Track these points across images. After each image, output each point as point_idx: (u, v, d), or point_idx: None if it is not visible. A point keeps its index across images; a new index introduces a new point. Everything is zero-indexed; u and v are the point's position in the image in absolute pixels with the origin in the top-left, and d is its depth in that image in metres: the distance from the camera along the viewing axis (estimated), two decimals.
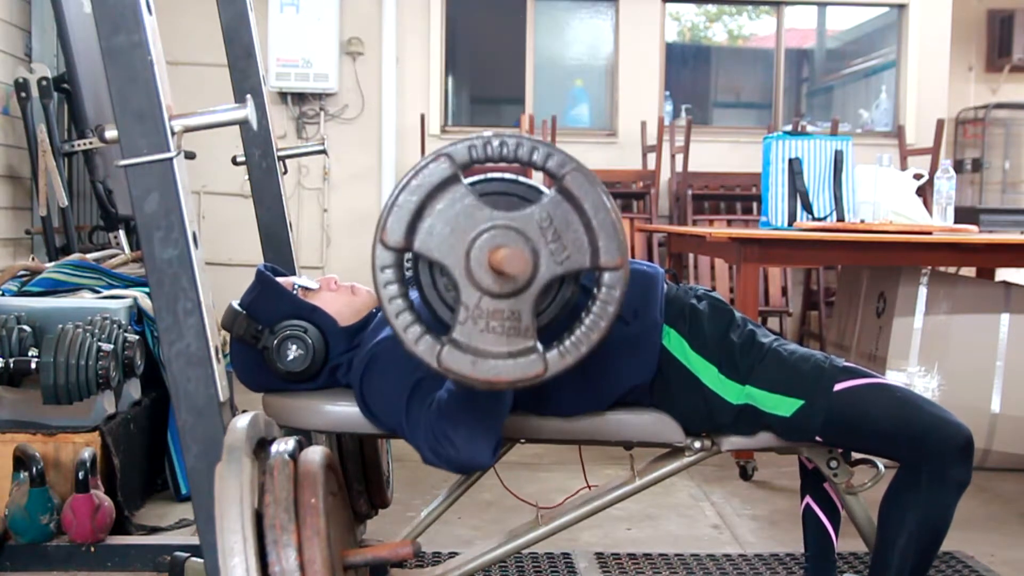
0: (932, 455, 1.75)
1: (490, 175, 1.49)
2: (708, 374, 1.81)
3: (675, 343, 1.83)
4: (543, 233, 1.35)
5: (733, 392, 1.81)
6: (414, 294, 1.41)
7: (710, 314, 1.86)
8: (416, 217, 1.33)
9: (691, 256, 5.19)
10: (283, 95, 5.62)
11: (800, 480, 2.09)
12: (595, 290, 1.36)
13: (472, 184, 1.40)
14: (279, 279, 1.91)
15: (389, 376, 1.73)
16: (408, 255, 1.36)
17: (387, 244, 1.33)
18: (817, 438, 1.81)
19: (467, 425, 1.61)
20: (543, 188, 1.43)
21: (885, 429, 1.78)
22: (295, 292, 1.89)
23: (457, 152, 1.34)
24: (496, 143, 1.35)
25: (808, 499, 2.06)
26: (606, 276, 1.35)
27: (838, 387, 1.78)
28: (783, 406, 1.79)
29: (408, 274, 1.43)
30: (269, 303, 1.86)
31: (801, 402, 1.78)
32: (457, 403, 1.60)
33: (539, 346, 1.35)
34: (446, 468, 1.67)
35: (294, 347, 1.83)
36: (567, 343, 1.36)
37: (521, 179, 1.49)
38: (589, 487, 2.02)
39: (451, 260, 1.34)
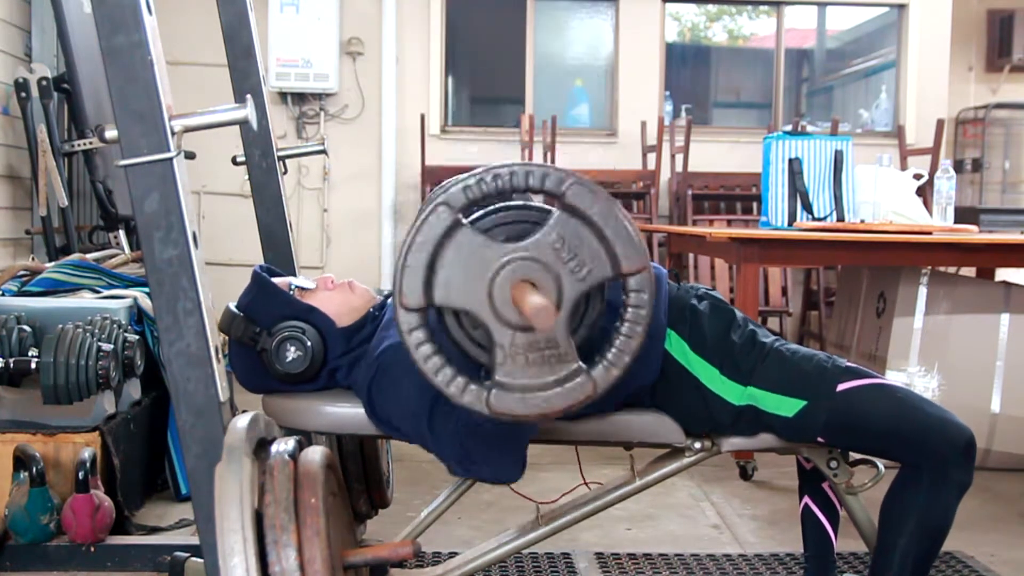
0: (934, 456, 1.75)
1: (490, 207, 1.47)
2: (708, 375, 1.81)
3: (675, 345, 1.83)
4: (558, 254, 1.34)
5: (734, 393, 1.81)
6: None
7: (710, 314, 1.85)
8: (429, 273, 1.33)
9: (691, 256, 5.19)
10: (283, 95, 5.62)
11: (798, 481, 2.09)
12: (624, 297, 1.36)
13: (475, 221, 1.39)
14: (275, 279, 1.90)
15: (403, 386, 1.72)
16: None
17: (408, 307, 1.33)
18: (819, 439, 1.81)
19: (497, 445, 1.62)
20: (549, 208, 1.42)
21: (887, 430, 1.78)
22: (292, 293, 1.88)
23: (453, 198, 1.33)
24: (489, 178, 1.34)
25: (806, 499, 2.06)
26: (631, 281, 1.35)
27: (841, 387, 1.78)
28: (785, 406, 1.78)
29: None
30: (266, 305, 1.86)
31: (804, 402, 1.78)
32: (487, 423, 1.59)
33: (583, 366, 1.34)
34: (475, 480, 1.68)
35: (292, 349, 1.82)
36: (610, 356, 1.35)
37: (523, 204, 1.48)
38: (587, 484, 2.02)
39: (475, 305, 1.33)
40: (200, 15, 4.84)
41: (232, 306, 1.86)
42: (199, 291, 1.37)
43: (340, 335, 1.86)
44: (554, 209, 1.37)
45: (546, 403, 1.33)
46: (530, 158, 5.35)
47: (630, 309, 1.35)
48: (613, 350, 1.35)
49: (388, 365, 1.75)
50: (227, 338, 1.88)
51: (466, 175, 1.35)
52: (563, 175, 1.34)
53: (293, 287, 1.89)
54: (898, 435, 1.77)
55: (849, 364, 1.83)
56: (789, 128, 5.50)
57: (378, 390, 1.76)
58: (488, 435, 1.60)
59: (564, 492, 2.06)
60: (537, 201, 1.52)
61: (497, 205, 1.48)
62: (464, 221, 1.34)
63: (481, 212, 1.47)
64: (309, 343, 1.83)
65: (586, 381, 1.34)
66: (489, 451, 1.61)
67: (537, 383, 1.33)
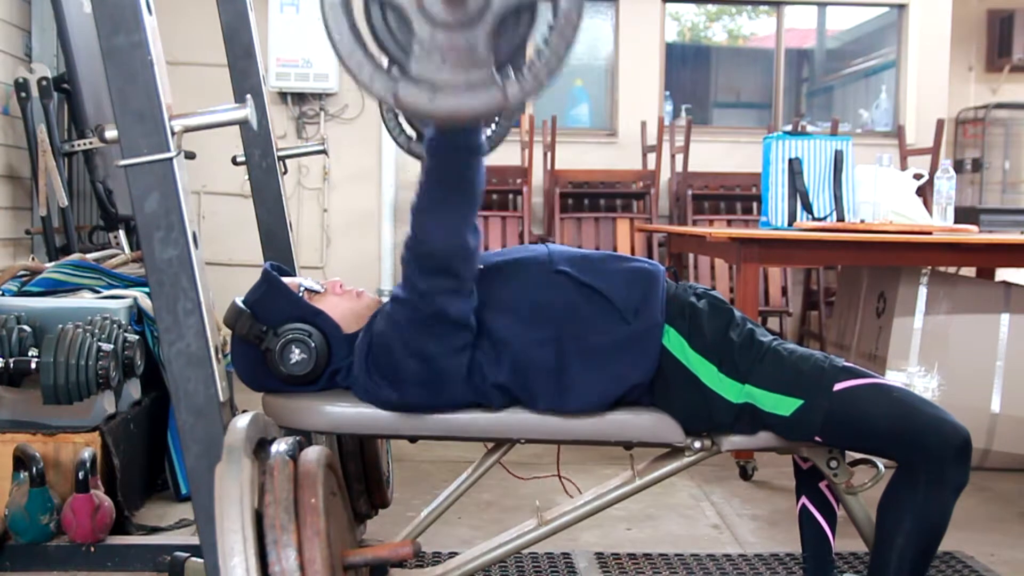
0: (930, 456, 1.75)
1: None
2: (707, 373, 1.81)
3: (674, 342, 1.83)
4: None
5: (733, 391, 1.81)
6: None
7: (710, 313, 1.86)
8: None
9: (691, 256, 5.19)
10: (283, 95, 5.62)
11: (795, 481, 2.09)
12: (552, 17, 1.30)
13: None
14: (285, 280, 1.90)
15: (390, 338, 1.78)
16: None
17: None
18: (816, 438, 1.81)
19: (440, 209, 1.67)
20: None
21: (884, 429, 1.78)
22: (300, 294, 1.88)
23: None
24: None
25: (804, 500, 2.06)
26: (563, 2, 1.28)
27: (838, 387, 1.78)
28: (783, 405, 1.79)
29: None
30: (274, 304, 1.85)
31: (801, 401, 1.78)
32: (427, 191, 1.66)
33: (496, 76, 1.29)
34: (427, 277, 1.71)
35: (297, 351, 1.82)
36: (525, 72, 1.30)
37: None
38: (560, 476, 2.02)
39: None
40: (200, 15, 4.83)
41: (239, 301, 1.86)
42: (199, 291, 1.37)
43: (344, 341, 1.86)
44: None
45: (454, 105, 1.28)
46: (530, 158, 5.35)
47: (556, 30, 1.29)
48: (533, 67, 1.30)
49: (379, 331, 1.80)
50: (228, 336, 1.88)
51: None
52: None
53: (303, 288, 1.89)
54: (895, 434, 1.78)
55: (846, 364, 1.84)
56: (789, 128, 5.50)
57: (373, 360, 1.79)
58: (431, 204, 1.68)
59: (537, 476, 2.05)
60: None
61: None
62: None
63: None
64: (314, 347, 1.82)
65: (497, 91, 1.28)
66: (434, 219, 1.68)
67: (448, 82, 1.28)
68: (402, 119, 2.26)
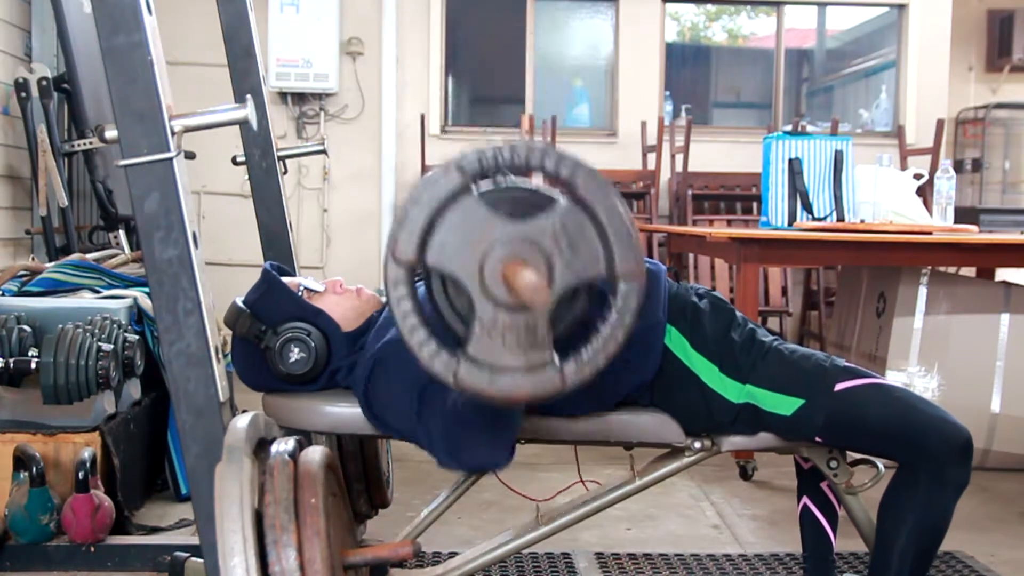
0: (931, 456, 1.75)
1: (502, 183, 1.47)
2: (708, 373, 1.81)
3: (676, 341, 1.83)
4: (557, 242, 1.32)
5: (733, 391, 1.81)
6: (422, 290, 1.39)
7: (711, 313, 1.86)
8: (427, 231, 1.31)
9: (691, 256, 5.19)
10: (283, 95, 5.62)
11: (796, 481, 2.09)
12: (611, 299, 1.34)
13: (483, 194, 1.38)
14: (285, 279, 1.90)
15: (395, 381, 1.72)
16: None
17: (399, 260, 1.31)
18: (817, 438, 1.81)
19: (483, 430, 1.61)
20: (556, 195, 1.40)
21: (884, 429, 1.78)
22: (300, 294, 1.88)
23: (467, 163, 1.32)
24: (507, 152, 1.32)
25: (805, 500, 2.06)
26: (622, 285, 1.33)
27: (839, 387, 1.78)
28: (784, 405, 1.79)
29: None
30: (274, 303, 1.85)
31: (802, 401, 1.78)
32: (473, 410, 1.58)
33: (556, 359, 1.33)
34: (463, 471, 1.67)
35: (297, 350, 1.82)
36: (584, 355, 1.33)
37: (534, 186, 1.47)
38: (584, 483, 2.02)
39: (464, 274, 1.31)
40: (200, 15, 4.84)
41: (239, 301, 1.86)
42: (199, 291, 1.37)
43: (344, 339, 1.86)
44: (561, 197, 1.35)
45: (513, 387, 1.31)
46: None
47: (614, 312, 1.34)
48: (589, 349, 1.34)
49: (384, 360, 1.75)
50: (228, 336, 1.88)
51: (486, 145, 1.33)
52: (578, 165, 1.33)
53: (302, 288, 1.89)
54: (895, 435, 1.78)
55: (847, 364, 1.84)
56: (789, 128, 5.50)
57: (373, 386, 1.76)
58: (474, 422, 1.60)
59: (560, 490, 2.05)
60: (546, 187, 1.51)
61: (507, 183, 1.46)
62: (473, 189, 1.33)
63: (493, 187, 1.46)
64: (314, 346, 1.82)
65: (555, 374, 1.32)
66: (475, 438, 1.61)
67: (508, 365, 1.31)
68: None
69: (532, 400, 1.34)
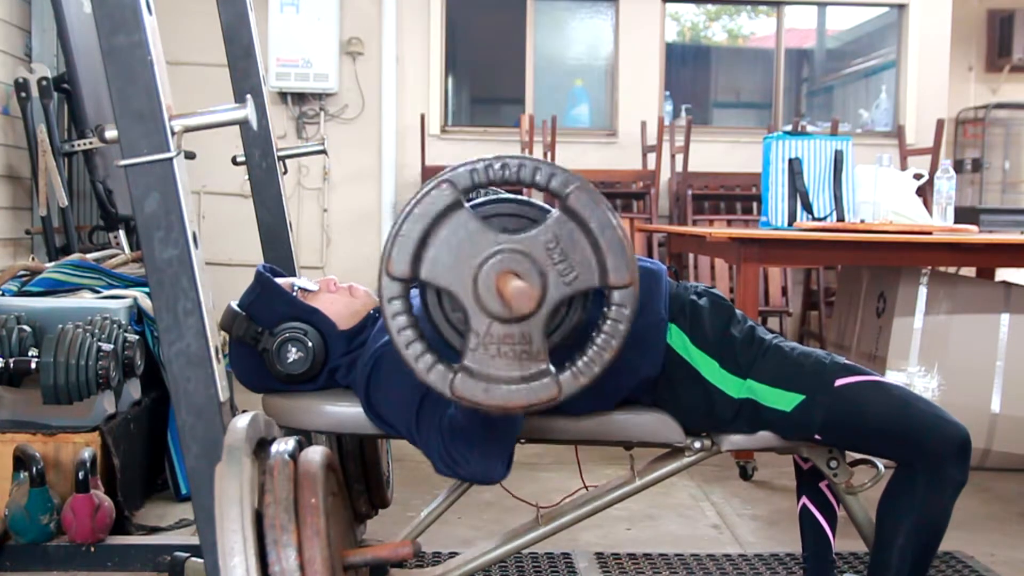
0: (929, 454, 1.76)
1: (494, 197, 1.48)
2: (709, 368, 1.82)
3: (676, 338, 1.83)
4: (549, 254, 1.34)
5: (734, 386, 1.81)
6: (417, 302, 1.40)
7: (711, 310, 1.86)
8: (420, 246, 1.33)
9: (691, 256, 5.19)
10: (283, 95, 5.62)
11: (796, 481, 2.09)
12: (606, 309, 1.36)
13: (475, 207, 1.40)
14: (278, 280, 1.91)
15: (395, 382, 1.73)
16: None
17: (393, 275, 1.33)
18: (816, 435, 1.81)
19: (480, 443, 1.62)
20: (548, 207, 1.42)
21: (883, 427, 1.78)
22: (294, 294, 1.89)
23: (458, 177, 1.33)
24: (498, 166, 1.34)
25: (804, 500, 2.06)
26: (616, 295, 1.35)
27: (839, 383, 1.78)
28: (784, 401, 1.79)
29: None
30: (269, 305, 1.86)
31: (802, 397, 1.78)
32: (470, 422, 1.59)
33: (552, 368, 1.34)
34: (459, 479, 1.67)
35: (294, 350, 1.83)
36: (580, 364, 1.35)
37: (526, 199, 1.48)
38: (586, 487, 2.02)
39: (458, 287, 1.33)
40: (200, 15, 4.84)
41: (234, 305, 1.86)
42: (199, 291, 1.37)
43: (341, 337, 1.86)
44: (554, 209, 1.37)
45: (508, 397, 1.33)
46: None
47: (609, 322, 1.35)
48: (584, 359, 1.35)
49: (384, 360, 1.76)
50: (227, 337, 1.88)
51: (476, 159, 1.35)
52: (570, 178, 1.34)
53: (296, 288, 1.90)
54: (895, 432, 1.78)
55: (847, 361, 1.84)
56: (789, 128, 5.50)
57: (375, 385, 1.77)
58: (471, 434, 1.60)
59: (566, 495, 2.05)
60: (539, 199, 1.53)
61: (499, 196, 1.48)
62: (464, 203, 1.34)
63: (485, 199, 1.47)
64: (311, 344, 1.83)
65: (551, 384, 1.34)
66: (471, 450, 1.61)
67: (503, 375, 1.33)
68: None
69: (529, 410, 1.36)
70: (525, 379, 1.33)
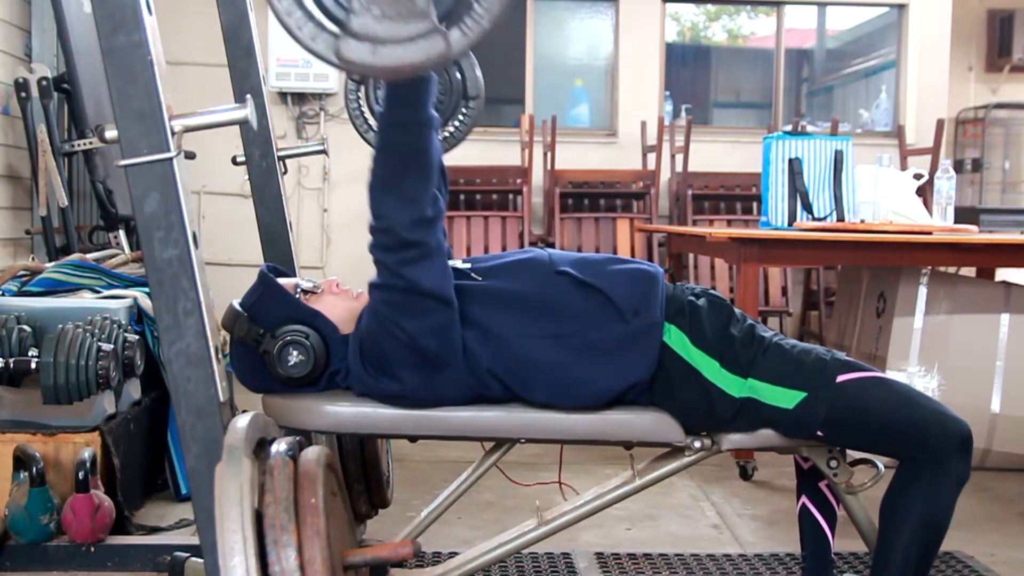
0: (931, 450, 1.76)
1: None
2: (709, 368, 1.82)
3: (676, 339, 1.83)
4: None
5: (735, 385, 1.81)
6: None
7: (709, 310, 1.86)
8: None
9: (691, 256, 5.19)
10: (283, 95, 5.62)
11: (796, 481, 2.09)
12: None
13: None
14: (281, 281, 1.90)
15: (373, 335, 1.78)
16: None
17: None
18: (818, 433, 1.81)
19: (398, 183, 1.70)
20: None
21: (885, 423, 1.78)
22: (297, 295, 1.88)
23: None
24: None
25: (804, 499, 2.06)
26: None
27: (840, 379, 1.78)
28: (785, 398, 1.79)
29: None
30: (271, 306, 1.85)
31: (804, 394, 1.78)
32: (384, 163, 1.69)
33: (438, 26, 1.30)
34: (392, 252, 1.74)
35: (296, 353, 1.82)
36: (468, 20, 1.31)
37: None
38: (560, 483, 2.02)
39: None
40: (200, 15, 4.84)
41: (236, 304, 1.85)
42: (199, 291, 1.37)
43: (342, 341, 1.86)
44: None
45: (396, 57, 1.29)
46: (530, 158, 5.35)
47: None
48: (473, 14, 1.31)
49: (365, 322, 1.81)
50: (228, 337, 1.88)
51: None
52: None
53: (299, 289, 1.89)
54: (897, 428, 1.78)
55: (848, 358, 1.84)
56: (789, 128, 5.50)
57: (364, 353, 1.80)
58: (386, 180, 1.73)
59: (540, 483, 2.05)
60: None
61: None
62: None
63: None
64: (312, 348, 1.82)
65: (440, 40, 1.30)
66: (390, 197, 1.72)
67: (390, 36, 1.29)
68: (364, 107, 2.25)
69: (418, 70, 1.32)
70: (412, 38, 1.30)
